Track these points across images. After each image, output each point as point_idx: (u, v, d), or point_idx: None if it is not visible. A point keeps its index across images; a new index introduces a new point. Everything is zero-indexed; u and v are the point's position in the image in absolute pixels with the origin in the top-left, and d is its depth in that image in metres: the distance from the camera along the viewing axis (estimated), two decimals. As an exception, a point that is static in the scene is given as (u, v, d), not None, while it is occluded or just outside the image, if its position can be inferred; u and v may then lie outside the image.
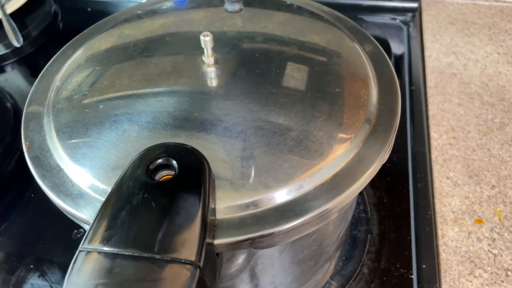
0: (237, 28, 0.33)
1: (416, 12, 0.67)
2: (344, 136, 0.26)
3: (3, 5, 0.65)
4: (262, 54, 0.31)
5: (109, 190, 0.22)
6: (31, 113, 0.30)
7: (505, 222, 0.40)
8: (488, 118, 0.49)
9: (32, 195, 0.47)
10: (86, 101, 0.28)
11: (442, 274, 0.37)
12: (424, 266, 0.39)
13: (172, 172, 0.23)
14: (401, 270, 0.39)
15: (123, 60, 0.31)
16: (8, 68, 0.64)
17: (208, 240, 0.21)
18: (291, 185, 0.23)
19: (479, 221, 0.41)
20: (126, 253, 0.19)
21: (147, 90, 0.29)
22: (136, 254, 0.19)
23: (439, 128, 0.49)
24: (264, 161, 0.24)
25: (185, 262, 0.19)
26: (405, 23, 0.66)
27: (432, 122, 0.49)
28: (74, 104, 0.28)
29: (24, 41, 0.63)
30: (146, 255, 0.19)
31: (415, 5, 0.67)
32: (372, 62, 0.31)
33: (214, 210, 0.23)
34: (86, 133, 0.26)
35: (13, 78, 0.62)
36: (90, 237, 0.20)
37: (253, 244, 0.23)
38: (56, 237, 0.43)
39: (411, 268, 0.39)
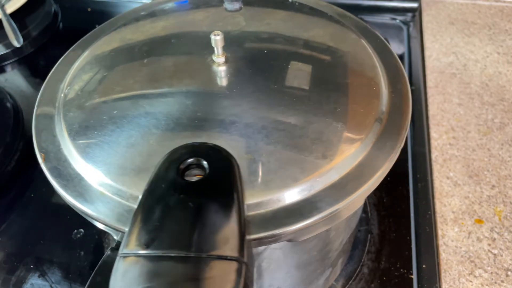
0: (240, 27, 0.33)
1: (416, 12, 0.67)
2: (360, 129, 0.26)
3: (3, 5, 0.65)
4: (270, 51, 0.31)
5: (137, 194, 0.22)
6: (41, 122, 0.29)
7: (505, 222, 0.40)
8: (488, 118, 0.49)
9: (32, 195, 0.47)
10: (98, 107, 0.28)
11: (442, 274, 0.37)
12: (424, 266, 0.39)
13: (201, 172, 0.23)
14: (401, 270, 0.39)
15: (130, 63, 0.31)
16: (8, 68, 0.64)
17: (246, 236, 0.21)
18: (317, 176, 0.24)
19: (479, 221, 0.41)
20: (171, 255, 0.19)
21: (161, 92, 0.28)
22: (182, 255, 0.19)
23: (439, 128, 0.49)
24: (289, 154, 0.24)
25: (231, 259, 0.19)
26: (405, 23, 0.66)
27: (432, 122, 0.49)
28: (87, 111, 0.28)
29: (24, 41, 0.63)
30: (192, 255, 0.19)
31: (415, 5, 0.67)
32: (379, 55, 0.32)
33: (247, 206, 0.23)
34: (104, 140, 0.26)
35: (13, 78, 0.62)
36: (128, 242, 0.20)
37: (288, 237, 0.23)
38: (56, 237, 0.43)
39: (411, 268, 0.39)
